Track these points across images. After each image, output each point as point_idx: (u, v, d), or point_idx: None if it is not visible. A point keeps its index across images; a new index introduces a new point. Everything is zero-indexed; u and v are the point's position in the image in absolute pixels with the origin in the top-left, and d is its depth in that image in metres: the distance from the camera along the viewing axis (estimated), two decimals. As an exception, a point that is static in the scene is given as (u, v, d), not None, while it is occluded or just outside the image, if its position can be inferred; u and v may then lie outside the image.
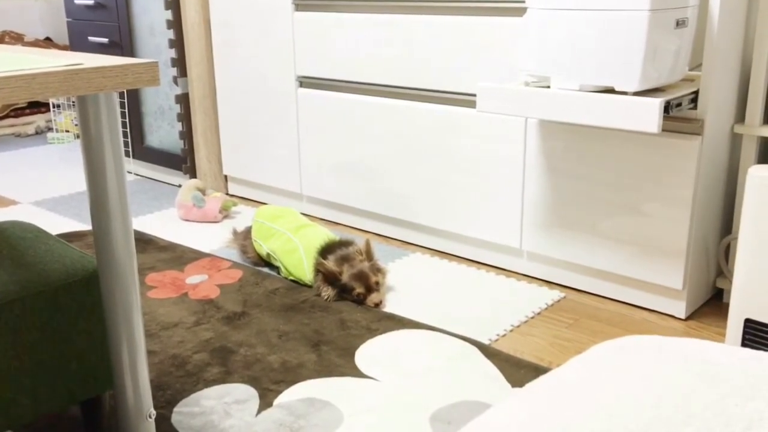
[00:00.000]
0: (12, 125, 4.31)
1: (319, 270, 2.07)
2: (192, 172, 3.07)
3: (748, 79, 1.89)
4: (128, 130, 3.33)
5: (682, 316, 1.93)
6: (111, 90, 1.02)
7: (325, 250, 2.11)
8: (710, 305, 2.01)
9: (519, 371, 1.66)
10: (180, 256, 2.39)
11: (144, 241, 2.53)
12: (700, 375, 0.70)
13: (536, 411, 0.68)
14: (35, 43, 4.48)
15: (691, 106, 1.78)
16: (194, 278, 2.21)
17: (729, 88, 1.86)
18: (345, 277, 2.03)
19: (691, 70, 1.87)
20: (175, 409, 1.54)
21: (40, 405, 1.23)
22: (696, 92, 1.78)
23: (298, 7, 2.57)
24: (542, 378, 0.76)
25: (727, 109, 1.88)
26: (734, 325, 1.59)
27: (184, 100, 3.02)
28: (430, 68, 2.26)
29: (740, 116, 1.94)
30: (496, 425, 0.67)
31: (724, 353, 0.75)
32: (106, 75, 1.00)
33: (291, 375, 1.66)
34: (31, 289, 1.20)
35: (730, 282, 1.86)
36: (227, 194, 3.08)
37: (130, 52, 3.19)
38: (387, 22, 2.32)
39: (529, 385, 0.75)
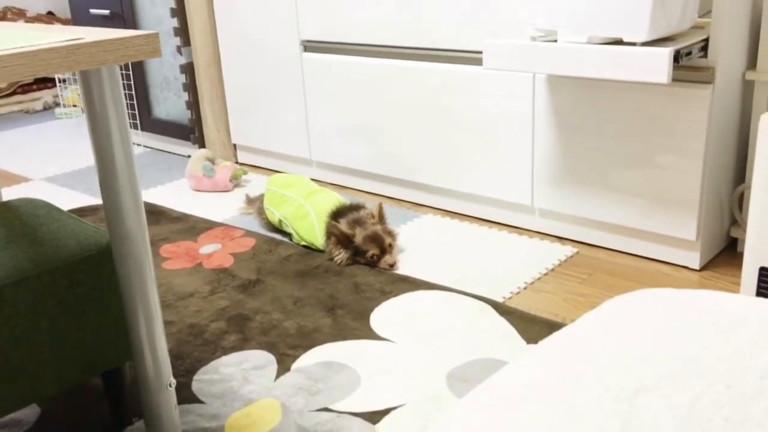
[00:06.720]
0: (20, 102, 4.31)
1: (332, 233, 2.07)
2: (201, 142, 3.07)
3: (759, 24, 1.85)
4: (135, 102, 3.32)
5: (697, 267, 1.93)
6: (113, 63, 1.01)
7: (337, 214, 2.11)
8: (725, 255, 2.00)
9: (533, 328, 1.67)
10: (193, 227, 2.40)
11: (156, 213, 2.54)
12: (715, 326, 0.70)
13: (551, 366, 0.68)
14: (37, 18, 4.45)
15: (702, 54, 1.75)
16: (208, 248, 2.23)
17: (740, 34, 1.83)
18: (358, 239, 2.03)
19: (700, 17, 1.83)
20: (195, 377, 1.56)
21: (62, 378, 1.26)
22: (706, 40, 1.75)
23: (299, -31, 2.54)
24: (557, 334, 0.76)
25: (739, 55, 1.85)
26: (749, 274, 1.58)
27: (189, 69, 3.00)
28: (435, 27, 2.23)
29: (752, 62, 1.91)
30: (513, 381, 0.68)
31: (738, 304, 0.75)
32: (107, 49, 0.99)
33: (307, 340, 1.68)
34: (46, 265, 1.21)
35: (744, 231, 1.85)
36: (237, 163, 3.08)
37: (132, 22, 3.17)
38: (389, -19, 2.29)
39: (543, 341, 0.75)
